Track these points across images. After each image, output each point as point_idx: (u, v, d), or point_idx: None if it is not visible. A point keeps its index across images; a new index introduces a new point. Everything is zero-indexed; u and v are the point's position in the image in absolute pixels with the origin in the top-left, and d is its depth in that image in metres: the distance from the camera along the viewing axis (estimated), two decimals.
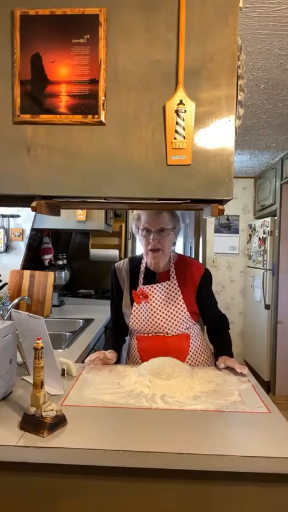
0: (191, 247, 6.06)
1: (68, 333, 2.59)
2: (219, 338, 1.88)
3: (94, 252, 3.91)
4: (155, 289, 1.80)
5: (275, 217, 4.23)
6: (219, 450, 1.08)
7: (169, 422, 1.24)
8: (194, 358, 1.82)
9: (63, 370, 1.61)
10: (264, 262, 4.34)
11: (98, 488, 1.09)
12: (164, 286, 1.81)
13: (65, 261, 3.76)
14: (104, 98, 1.18)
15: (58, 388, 1.44)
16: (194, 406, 1.33)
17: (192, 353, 1.82)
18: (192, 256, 5.63)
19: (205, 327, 1.96)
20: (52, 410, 1.17)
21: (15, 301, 2.38)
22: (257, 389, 1.50)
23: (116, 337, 1.92)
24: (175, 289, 1.80)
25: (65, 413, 1.20)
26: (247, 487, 1.07)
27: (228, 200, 1.23)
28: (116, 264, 1.93)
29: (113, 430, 1.20)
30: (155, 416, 1.27)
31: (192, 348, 1.82)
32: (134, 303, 1.82)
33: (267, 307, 4.27)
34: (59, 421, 1.17)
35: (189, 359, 1.81)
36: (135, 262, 1.90)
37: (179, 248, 7.57)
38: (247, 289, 5.01)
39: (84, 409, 1.32)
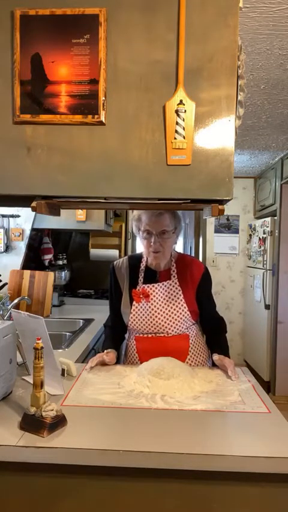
0: (191, 247, 6.06)
1: (68, 333, 2.59)
2: (216, 340, 1.85)
3: (94, 252, 3.92)
4: (156, 288, 1.80)
5: (275, 217, 4.23)
6: (219, 450, 1.08)
7: (169, 422, 1.24)
8: (193, 358, 1.82)
9: (63, 370, 1.61)
10: (264, 262, 4.34)
11: (98, 488, 1.09)
12: (165, 286, 1.80)
13: (65, 261, 3.75)
14: (104, 98, 1.18)
15: (58, 388, 1.44)
16: (194, 406, 1.33)
17: (192, 353, 1.82)
18: (192, 256, 5.63)
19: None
20: (52, 410, 1.17)
21: (15, 301, 2.38)
22: (257, 390, 1.50)
23: (115, 335, 1.91)
24: (176, 288, 1.80)
25: (65, 413, 1.20)
26: (247, 487, 1.07)
27: (228, 200, 1.23)
28: (115, 263, 1.92)
29: (113, 430, 1.20)
30: (155, 416, 1.27)
31: (192, 348, 1.82)
32: (134, 302, 1.81)
33: (267, 307, 4.27)
34: (59, 421, 1.17)
35: (189, 359, 1.81)
36: (135, 260, 1.89)
37: (179, 248, 7.56)
38: (247, 289, 5.01)
39: (84, 409, 1.32)
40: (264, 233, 4.39)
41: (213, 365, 1.78)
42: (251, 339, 4.81)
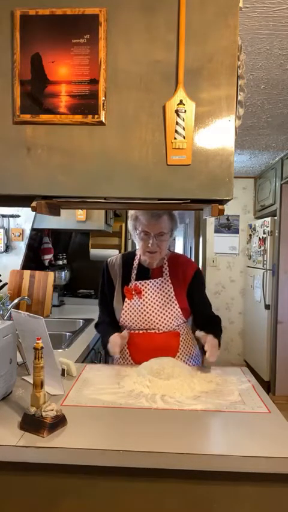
0: (191, 247, 6.06)
1: (68, 333, 2.59)
2: (211, 328, 1.75)
3: (94, 252, 3.91)
4: (148, 285, 1.82)
5: (275, 217, 4.23)
6: (219, 450, 1.08)
7: (169, 422, 1.24)
8: (183, 356, 1.83)
9: (63, 370, 1.61)
10: (264, 262, 4.34)
11: (98, 488, 1.09)
12: (157, 283, 1.82)
13: (65, 261, 3.76)
14: (104, 98, 1.18)
15: (58, 388, 1.44)
16: (194, 406, 1.33)
17: (182, 351, 1.83)
18: (192, 256, 5.64)
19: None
20: (52, 410, 1.17)
21: (15, 301, 2.38)
22: (257, 389, 1.50)
23: (110, 327, 1.86)
24: (168, 285, 1.81)
25: (65, 413, 1.20)
26: (247, 487, 1.07)
27: (228, 200, 1.23)
28: (109, 260, 1.95)
29: (113, 430, 1.20)
30: (155, 416, 1.27)
31: (181, 346, 1.83)
32: (126, 299, 1.83)
33: (267, 307, 4.26)
34: (59, 421, 1.17)
35: (178, 357, 1.81)
36: (128, 257, 1.91)
37: (178, 248, 7.57)
38: (247, 289, 5.01)
39: (84, 409, 1.32)
40: (264, 233, 4.39)
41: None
42: (251, 339, 4.80)
